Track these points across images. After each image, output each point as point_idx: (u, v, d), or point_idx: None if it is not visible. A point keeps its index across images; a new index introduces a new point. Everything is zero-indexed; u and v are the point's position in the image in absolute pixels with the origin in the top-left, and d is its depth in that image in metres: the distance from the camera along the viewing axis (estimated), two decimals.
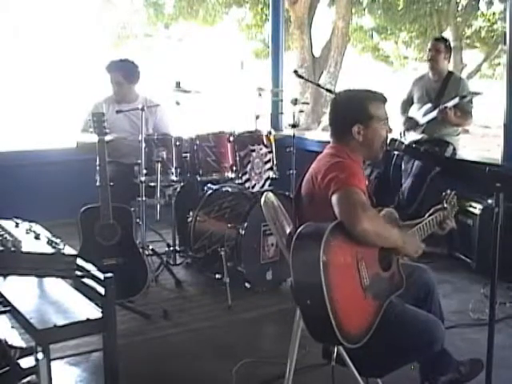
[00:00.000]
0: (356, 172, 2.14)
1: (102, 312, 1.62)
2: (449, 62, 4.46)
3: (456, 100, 4.11)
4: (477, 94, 4.23)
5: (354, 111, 2.23)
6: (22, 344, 2.17)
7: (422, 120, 4.36)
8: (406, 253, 2.16)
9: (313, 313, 1.96)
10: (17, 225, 2.12)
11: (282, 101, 5.54)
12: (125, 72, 4.01)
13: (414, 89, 4.54)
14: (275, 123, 5.86)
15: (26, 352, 2.07)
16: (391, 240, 2.07)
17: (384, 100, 2.28)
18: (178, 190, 4.03)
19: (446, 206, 2.38)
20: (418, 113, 4.43)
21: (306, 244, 2.00)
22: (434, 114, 4.24)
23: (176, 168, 3.82)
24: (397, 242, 2.09)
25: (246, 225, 3.57)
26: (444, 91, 4.31)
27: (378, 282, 2.05)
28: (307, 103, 9.69)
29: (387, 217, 2.17)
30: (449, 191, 2.44)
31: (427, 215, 2.35)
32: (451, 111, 4.15)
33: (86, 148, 3.70)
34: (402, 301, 2.14)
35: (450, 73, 4.43)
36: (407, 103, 4.60)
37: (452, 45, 4.65)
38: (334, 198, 2.01)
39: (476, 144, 11.31)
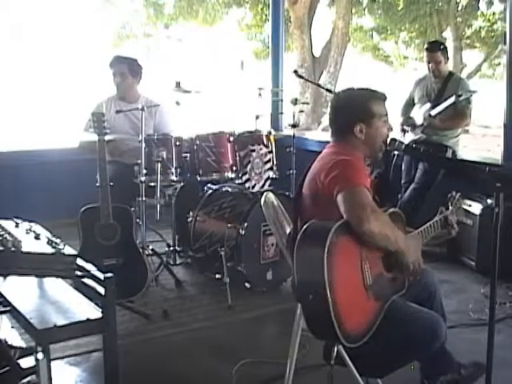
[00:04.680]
0: (360, 170, 2.13)
1: (102, 312, 1.62)
2: (448, 61, 4.44)
3: (452, 99, 4.09)
4: (472, 92, 4.21)
5: (356, 110, 2.23)
6: (22, 344, 2.17)
7: (420, 121, 4.36)
8: (406, 260, 2.06)
9: (314, 309, 1.96)
10: (17, 225, 2.12)
11: (282, 101, 5.54)
12: (129, 65, 4.04)
13: (416, 89, 4.52)
14: (275, 123, 5.85)
15: (25, 352, 2.07)
16: (396, 243, 2.04)
17: (384, 98, 2.28)
18: (178, 190, 4.02)
19: (451, 208, 2.36)
20: (417, 113, 4.43)
21: (312, 240, 1.99)
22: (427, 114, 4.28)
23: (176, 168, 3.82)
24: (401, 246, 2.06)
25: (246, 225, 3.57)
26: (444, 91, 4.30)
27: (380, 282, 2.04)
28: (307, 103, 9.70)
29: (393, 218, 2.15)
30: (454, 193, 2.43)
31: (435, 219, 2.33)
32: (435, 119, 4.20)
33: (88, 147, 3.70)
34: (403, 299, 2.14)
35: (451, 73, 4.43)
36: (408, 106, 4.58)
37: (452, 45, 4.65)
38: (340, 197, 2.01)
39: (476, 144, 11.31)
